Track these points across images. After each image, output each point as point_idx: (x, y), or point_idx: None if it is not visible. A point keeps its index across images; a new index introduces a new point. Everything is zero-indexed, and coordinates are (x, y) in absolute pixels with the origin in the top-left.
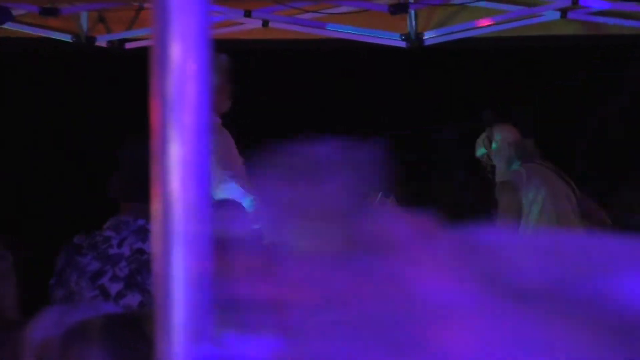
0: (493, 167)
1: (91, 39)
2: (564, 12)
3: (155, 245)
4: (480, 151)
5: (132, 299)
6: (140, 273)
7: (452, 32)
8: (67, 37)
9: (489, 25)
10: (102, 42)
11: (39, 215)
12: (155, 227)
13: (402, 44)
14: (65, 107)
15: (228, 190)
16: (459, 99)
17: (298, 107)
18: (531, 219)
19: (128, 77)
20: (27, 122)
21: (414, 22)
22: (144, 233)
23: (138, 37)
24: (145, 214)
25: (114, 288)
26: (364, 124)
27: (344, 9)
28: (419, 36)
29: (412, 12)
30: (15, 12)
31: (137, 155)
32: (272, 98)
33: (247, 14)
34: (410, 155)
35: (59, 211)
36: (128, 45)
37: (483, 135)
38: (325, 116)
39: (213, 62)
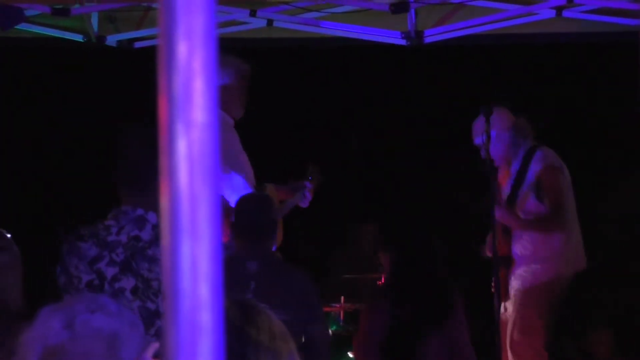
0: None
1: (101, 39)
2: (559, 10)
3: (163, 238)
4: (478, 138)
5: (127, 283)
6: (135, 259)
7: (451, 30)
8: (78, 37)
9: (487, 23)
10: (111, 41)
11: (47, 210)
12: (164, 220)
13: (403, 42)
14: (76, 104)
15: (232, 182)
16: (459, 94)
17: (302, 103)
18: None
19: (137, 75)
20: (40, 118)
21: (414, 21)
22: (141, 222)
23: (146, 36)
24: (144, 205)
25: (110, 272)
26: (367, 118)
27: (346, 8)
28: (419, 34)
29: (413, 10)
30: (28, 13)
31: (135, 147)
32: (276, 95)
33: (253, 13)
34: (409, 149)
35: (67, 205)
36: (137, 45)
37: (481, 122)
38: (329, 111)
39: (236, 69)
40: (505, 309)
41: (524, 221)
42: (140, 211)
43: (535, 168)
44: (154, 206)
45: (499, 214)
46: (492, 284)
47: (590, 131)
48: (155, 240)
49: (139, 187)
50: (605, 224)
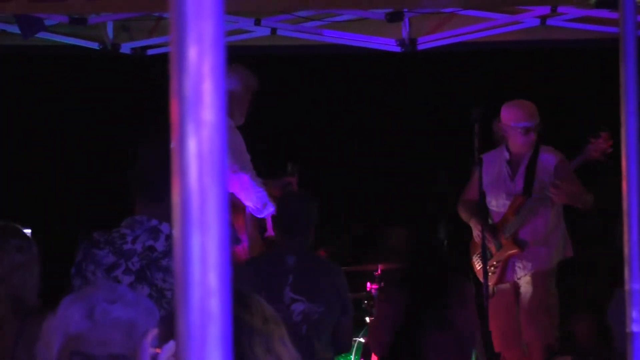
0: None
1: (116, 46)
2: (543, 19)
3: (175, 230)
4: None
5: (142, 291)
6: (150, 269)
7: (443, 38)
8: (94, 45)
9: (476, 31)
10: (126, 49)
11: (62, 212)
12: (175, 213)
13: (398, 49)
14: (93, 109)
15: (236, 180)
16: (450, 98)
17: (304, 106)
18: None
19: (149, 80)
20: (57, 123)
21: (408, 29)
22: (155, 232)
23: (158, 44)
24: (158, 215)
25: (126, 280)
26: (364, 119)
27: (344, 17)
28: (412, 42)
29: (407, 19)
30: (47, 22)
31: (150, 160)
32: (279, 98)
33: (257, 22)
34: (404, 147)
35: (80, 209)
36: (149, 52)
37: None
38: (329, 113)
39: (244, 78)
40: (494, 294)
41: (583, 188)
42: (154, 222)
43: (549, 160)
44: (167, 217)
45: (573, 165)
46: (478, 268)
47: (572, 133)
48: (169, 251)
49: (153, 198)
50: (581, 219)
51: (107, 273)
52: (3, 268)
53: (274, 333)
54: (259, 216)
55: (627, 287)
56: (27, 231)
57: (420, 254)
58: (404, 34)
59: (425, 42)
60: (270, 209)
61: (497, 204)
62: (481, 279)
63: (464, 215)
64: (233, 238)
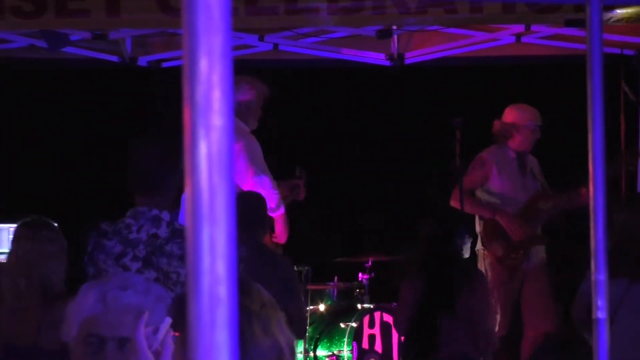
0: None
1: (134, 60)
2: (518, 36)
3: (187, 224)
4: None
5: (149, 275)
6: (155, 254)
7: (428, 53)
8: (114, 58)
9: (457, 47)
10: (142, 62)
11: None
12: (187, 209)
13: (387, 63)
14: (112, 116)
15: (259, 182)
16: (434, 107)
17: (304, 115)
18: None
19: (164, 90)
20: (79, 129)
21: (396, 45)
22: (157, 221)
23: (172, 57)
24: (157, 205)
25: (134, 266)
26: (357, 127)
27: (339, 34)
28: (400, 56)
29: (395, 36)
30: (72, 38)
31: (147, 156)
32: (281, 108)
33: (261, 38)
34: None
35: (99, 204)
36: (164, 65)
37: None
38: (326, 121)
39: (258, 89)
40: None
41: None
42: (155, 211)
43: (533, 161)
44: (166, 206)
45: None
46: (500, 255)
47: (543, 137)
48: (172, 236)
49: (152, 190)
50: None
51: (117, 261)
52: (35, 256)
53: (271, 317)
54: (272, 215)
55: (593, 277)
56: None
57: (433, 248)
58: (393, 49)
59: (412, 57)
60: (282, 209)
61: (513, 199)
62: (499, 266)
63: (476, 209)
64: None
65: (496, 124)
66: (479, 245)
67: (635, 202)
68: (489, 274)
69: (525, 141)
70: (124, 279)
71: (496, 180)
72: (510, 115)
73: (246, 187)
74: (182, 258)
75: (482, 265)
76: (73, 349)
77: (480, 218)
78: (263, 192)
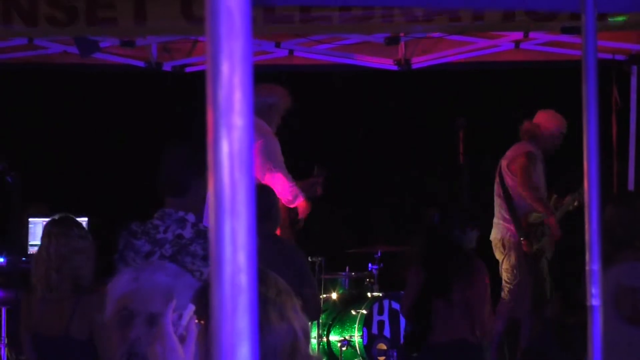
0: None
1: (159, 65)
2: (517, 43)
3: (210, 217)
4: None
5: None
6: (180, 253)
7: (434, 58)
8: (140, 64)
9: (461, 53)
10: (167, 67)
11: (114, 205)
12: (211, 203)
13: (395, 68)
14: (139, 118)
15: (275, 177)
16: (439, 108)
17: (318, 117)
18: None
19: (188, 94)
20: (108, 131)
21: (404, 51)
22: (182, 222)
23: (195, 62)
24: (184, 207)
25: None
26: (368, 126)
27: (351, 41)
28: (408, 62)
29: (403, 43)
30: (102, 45)
31: (175, 161)
32: (296, 111)
33: (277, 45)
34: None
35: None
36: (188, 70)
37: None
38: (339, 122)
39: (282, 95)
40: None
41: None
42: (181, 213)
43: None
44: (192, 209)
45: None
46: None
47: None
48: (196, 237)
49: (179, 192)
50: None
51: (145, 259)
52: (66, 250)
53: (286, 303)
54: (290, 206)
55: (587, 267)
56: (84, 219)
57: (432, 237)
58: (401, 55)
59: (419, 62)
60: (300, 199)
61: (543, 194)
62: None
63: (542, 205)
64: None
65: (526, 124)
66: (504, 234)
67: (624, 198)
68: (522, 261)
69: (549, 144)
70: (158, 264)
71: (537, 174)
72: (541, 118)
73: (263, 182)
74: (204, 258)
75: (512, 252)
76: (107, 326)
77: (534, 211)
78: (279, 186)
